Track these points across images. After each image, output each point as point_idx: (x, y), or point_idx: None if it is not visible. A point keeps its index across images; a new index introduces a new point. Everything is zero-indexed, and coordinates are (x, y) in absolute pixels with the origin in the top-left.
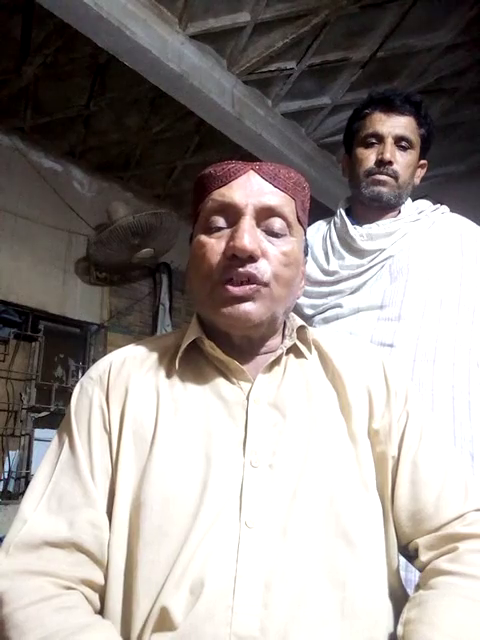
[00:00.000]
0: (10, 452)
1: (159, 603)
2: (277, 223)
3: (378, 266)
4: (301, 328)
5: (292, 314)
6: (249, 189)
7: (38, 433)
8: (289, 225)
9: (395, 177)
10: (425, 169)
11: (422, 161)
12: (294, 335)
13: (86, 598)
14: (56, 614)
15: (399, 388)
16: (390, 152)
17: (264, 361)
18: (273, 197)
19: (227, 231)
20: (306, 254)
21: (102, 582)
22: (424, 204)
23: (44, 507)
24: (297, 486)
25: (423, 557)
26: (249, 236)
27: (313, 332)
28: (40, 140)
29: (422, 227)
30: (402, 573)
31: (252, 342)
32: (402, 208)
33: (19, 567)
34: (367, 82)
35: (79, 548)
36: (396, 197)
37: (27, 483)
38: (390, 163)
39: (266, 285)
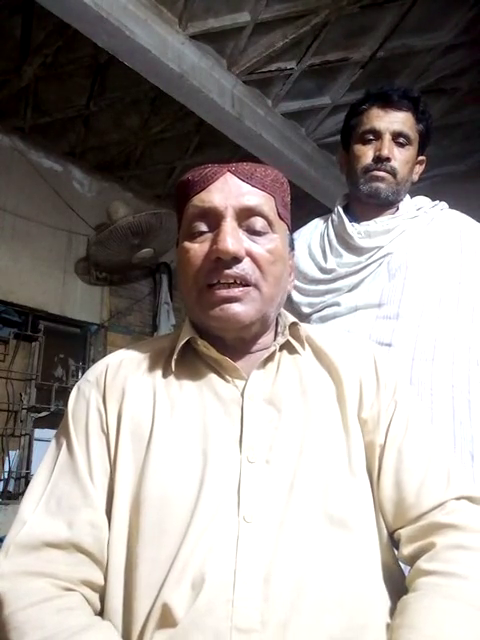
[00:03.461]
0: (10, 452)
1: (160, 600)
2: (258, 222)
3: (376, 264)
4: (293, 324)
5: (284, 311)
6: (227, 191)
7: (38, 433)
8: (270, 223)
9: (393, 174)
10: (423, 165)
11: (420, 157)
12: (286, 332)
13: (86, 599)
14: (56, 615)
15: (388, 379)
16: (388, 148)
17: (258, 358)
18: (251, 197)
19: (210, 235)
20: (292, 249)
21: (102, 582)
22: (423, 200)
23: (43, 508)
24: (294, 480)
25: (405, 551)
26: (231, 238)
27: (306, 328)
28: (40, 140)
29: (421, 224)
30: None
31: (245, 341)
32: (400, 205)
33: (19, 568)
34: (367, 82)
35: (79, 548)
36: (394, 194)
37: (27, 483)
38: (388, 159)
39: (255, 285)
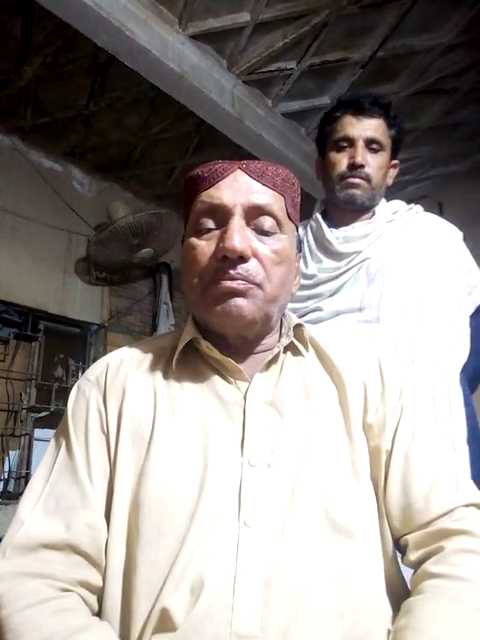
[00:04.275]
0: (10, 452)
1: (159, 604)
2: (267, 222)
3: (355, 268)
4: (297, 326)
5: (288, 312)
6: (237, 189)
7: (38, 433)
8: (279, 223)
9: (367, 180)
10: (397, 169)
11: (394, 161)
12: (291, 333)
13: (83, 600)
14: (53, 616)
15: (394, 383)
16: (361, 155)
17: (261, 360)
18: (261, 196)
19: (217, 232)
20: (299, 250)
21: (99, 584)
22: (398, 204)
23: (41, 509)
24: (295, 484)
25: (412, 556)
26: (239, 236)
27: (310, 330)
28: (40, 140)
29: (397, 228)
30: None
31: (248, 341)
32: (376, 209)
33: (16, 569)
34: (367, 82)
35: (76, 550)
36: (370, 199)
37: (27, 483)
38: (362, 166)
39: (259, 285)
